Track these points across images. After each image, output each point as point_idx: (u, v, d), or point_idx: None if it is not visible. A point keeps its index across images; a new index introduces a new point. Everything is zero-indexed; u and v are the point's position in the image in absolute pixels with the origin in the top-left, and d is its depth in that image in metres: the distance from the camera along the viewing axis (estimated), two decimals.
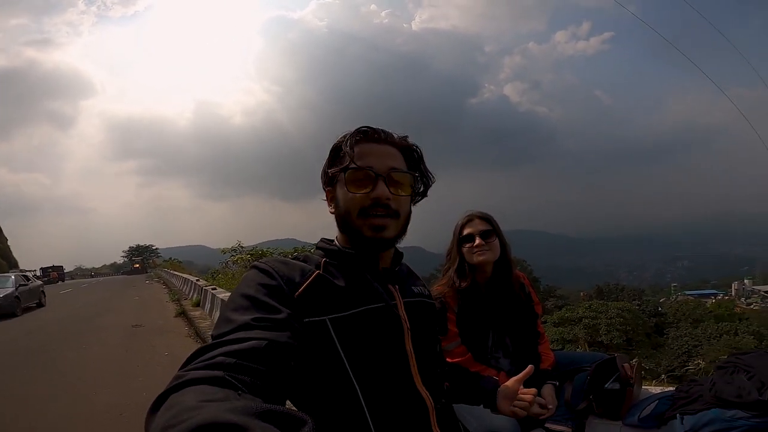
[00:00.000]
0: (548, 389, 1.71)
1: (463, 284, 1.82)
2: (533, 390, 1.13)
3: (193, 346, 7.07)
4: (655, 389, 1.86)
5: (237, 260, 15.47)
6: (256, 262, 0.87)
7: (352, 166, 0.90)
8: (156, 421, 0.45)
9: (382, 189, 0.89)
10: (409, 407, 0.86)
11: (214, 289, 10.58)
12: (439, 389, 0.94)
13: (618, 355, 1.85)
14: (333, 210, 0.97)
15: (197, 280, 15.21)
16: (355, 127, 0.94)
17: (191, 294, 14.18)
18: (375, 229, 0.89)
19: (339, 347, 0.82)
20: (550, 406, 1.66)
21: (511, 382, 1.13)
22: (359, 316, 0.85)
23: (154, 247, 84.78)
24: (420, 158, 0.99)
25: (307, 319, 0.80)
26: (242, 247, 16.89)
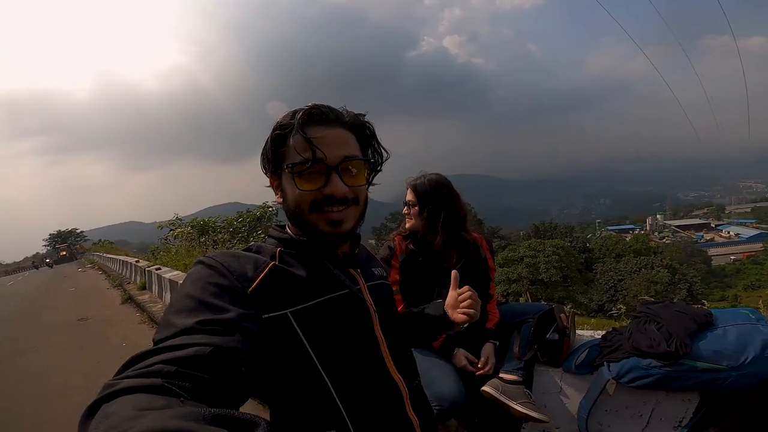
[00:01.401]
0: (488, 348, 1.91)
1: (406, 232, 2.02)
2: (466, 287, 1.08)
3: (150, 332, 6.81)
4: (586, 333, 2.15)
5: (178, 234, 14.10)
6: (201, 257, 0.78)
7: (299, 158, 0.80)
8: (90, 430, 0.43)
9: (336, 184, 0.81)
10: (383, 394, 0.84)
11: (159, 269, 9.93)
12: (411, 371, 0.92)
13: (555, 305, 2.09)
14: (280, 201, 0.89)
15: (137, 261, 14.30)
16: (298, 107, 0.84)
17: (133, 277, 13.37)
18: (332, 223, 0.83)
19: (304, 341, 0.76)
20: (488, 366, 1.89)
21: (449, 294, 1.10)
22: (323, 305, 0.80)
23: (78, 231, 77.46)
24: (373, 135, 0.91)
25: (266, 315, 0.73)
26: (180, 219, 15.27)
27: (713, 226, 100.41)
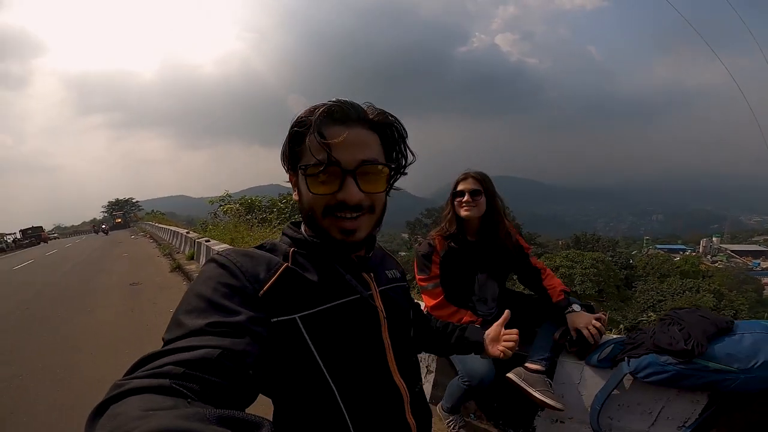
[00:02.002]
0: (577, 318, 1.99)
1: (452, 229, 2.09)
2: (515, 330, 1.17)
3: None
4: (616, 337, 2.20)
5: (227, 210, 14.62)
6: (214, 255, 0.77)
7: (314, 160, 0.75)
8: (98, 430, 0.43)
9: (350, 190, 0.76)
10: (385, 398, 0.83)
11: (208, 241, 10.27)
12: (413, 376, 0.92)
13: (593, 303, 2.18)
14: (297, 199, 0.85)
15: (187, 233, 14.89)
16: (320, 103, 0.79)
17: (183, 247, 14.00)
18: (345, 232, 0.79)
19: (311, 346, 0.75)
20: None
21: (493, 327, 1.18)
22: (332, 310, 0.78)
23: (134, 200, 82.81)
24: (400, 137, 0.84)
25: (275, 319, 0.72)
26: (230, 195, 16.05)
27: None
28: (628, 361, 1.86)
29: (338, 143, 0.74)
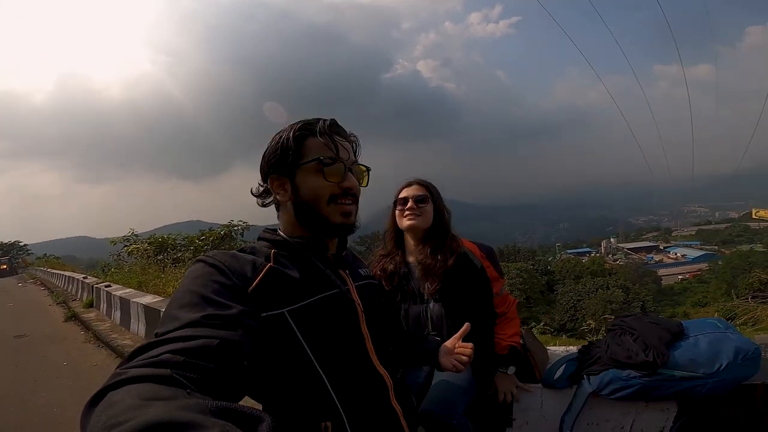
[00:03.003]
0: (504, 380, 1.78)
1: (389, 246, 1.83)
2: (470, 344, 1.18)
3: (96, 351, 6.38)
4: (560, 349, 2.15)
5: (132, 251, 13.36)
6: (202, 256, 0.83)
7: (330, 154, 0.94)
8: (93, 419, 0.42)
9: (353, 179, 0.96)
10: (370, 385, 0.91)
11: (108, 286, 9.37)
12: (394, 365, 1.01)
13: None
14: (286, 197, 0.96)
15: (84, 278, 13.30)
16: (316, 117, 0.98)
17: (80, 294, 12.44)
18: (344, 215, 0.95)
19: (300, 338, 0.82)
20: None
21: (451, 339, 1.22)
22: (316, 304, 0.87)
23: (21, 243, 71.97)
24: (360, 151, 1.06)
25: (264, 314, 0.79)
26: (136, 234, 14.60)
27: (662, 248, 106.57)
28: (588, 379, 1.76)
29: (341, 146, 0.96)
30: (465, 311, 1.65)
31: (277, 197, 0.98)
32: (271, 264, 0.86)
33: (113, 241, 14.89)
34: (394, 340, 1.17)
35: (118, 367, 0.55)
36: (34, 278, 27.08)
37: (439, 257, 1.71)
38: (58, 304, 12.35)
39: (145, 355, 0.57)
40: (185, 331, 0.62)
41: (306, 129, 0.95)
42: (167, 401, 0.43)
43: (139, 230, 15.13)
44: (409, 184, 1.83)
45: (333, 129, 0.97)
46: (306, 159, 0.94)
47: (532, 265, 36.20)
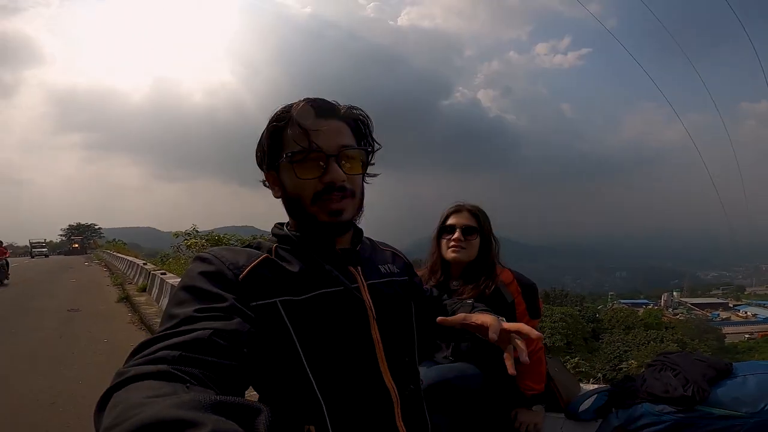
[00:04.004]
0: (527, 416, 1.67)
1: (432, 282, 1.66)
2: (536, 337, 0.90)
3: (136, 333, 6.75)
4: (592, 386, 1.99)
5: (191, 245, 14.31)
6: (198, 253, 0.81)
7: (298, 148, 0.80)
8: (102, 421, 0.43)
9: (336, 172, 0.81)
10: (370, 398, 0.80)
11: (164, 273, 9.93)
12: (407, 378, 0.87)
13: None
14: (278, 195, 0.89)
15: (144, 264, 14.32)
16: (297, 99, 0.85)
17: (137, 278, 13.37)
18: (332, 213, 0.82)
19: (292, 332, 0.75)
20: None
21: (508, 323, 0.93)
22: (314, 300, 0.79)
23: (96, 227, 79.03)
24: (368, 129, 0.91)
25: (254, 303, 0.73)
26: (197, 230, 15.64)
27: (731, 306, 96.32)
28: (617, 413, 1.62)
29: (318, 131, 0.80)
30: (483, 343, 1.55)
31: (274, 194, 0.91)
32: (267, 255, 0.81)
33: (176, 234, 16.04)
34: (419, 340, 0.99)
35: (121, 367, 0.55)
36: (100, 259, 29.60)
37: (472, 286, 1.62)
38: (115, 285, 13.33)
39: (144, 353, 0.57)
40: (181, 328, 0.62)
41: (282, 118, 0.83)
42: (164, 398, 0.43)
43: (200, 228, 16.17)
44: (458, 210, 1.70)
45: (306, 114, 0.82)
46: (283, 154, 0.83)
47: (578, 311, 34.03)
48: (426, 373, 1.50)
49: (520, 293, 1.68)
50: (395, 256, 1.03)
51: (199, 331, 0.61)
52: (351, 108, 0.88)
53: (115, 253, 26.45)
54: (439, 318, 0.92)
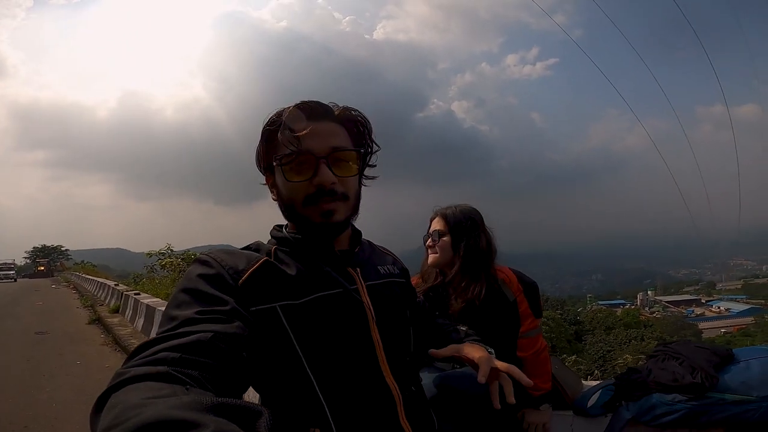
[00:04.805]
0: (534, 416, 1.62)
1: (425, 286, 1.67)
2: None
3: (111, 355, 6.48)
4: (594, 382, 1.95)
5: (166, 264, 13.81)
6: (197, 256, 0.80)
7: (287, 151, 0.81)
8: (100, 423, 0.42)
9: (325, 174, 0.80)
10: (373, 398, 0.80)
11: (137, 294, 9.60)
12: (409, 378, 0.88)
13: None
14: (275, 198, 0.90)
15: (115, 285, 13.80)
16: (290, 103, 0.85)
17: (108, 300, 12.79)
18: (324, 214, 0.82)
19: (292, 336, 0.76)
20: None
21: (502, 363, 0.92)
22: (314, 303, 0.79)
23: (63, 248, 75.60)
24: (366, 130, 0.90)
25: (254, 308, 0.73)
26: (172, 250, 15.12)
27: (703, 301, 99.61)
28: (627, 406, 1.60)
29: (309, 133, 0.80)
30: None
31: (272, 196, 0.91)
32: (266, 258, 0.81)
33: (149, 254, 15.47)
34: (415, 344, 0.97)
35: (120, 368, 0.55)
36: (68, 281, 28.33)
37: (461, 300, 1.59)
38: (85, 307, 12.78)
39: (143, 354, 0.56)
40: (181, 329, 0.62)
41: (274, 122, 0.84)
42: (165, 399, 0.42)
43: (175, 248, 15.58)
44: (434, 216, 1.71)
45: (296, 117, 0.82)
46: (275, 157, 0.84)
47: (560, 314, 34.79)
48: (430, 379, 1.47)
49: (521, 291, 1.66)
50: (394, 260, 1.04)
51: (200, 334, 0.61)
52: (347, 109, 0.87)
53: (84, 275, 25.35)
54: (431, 351, 0.95)
